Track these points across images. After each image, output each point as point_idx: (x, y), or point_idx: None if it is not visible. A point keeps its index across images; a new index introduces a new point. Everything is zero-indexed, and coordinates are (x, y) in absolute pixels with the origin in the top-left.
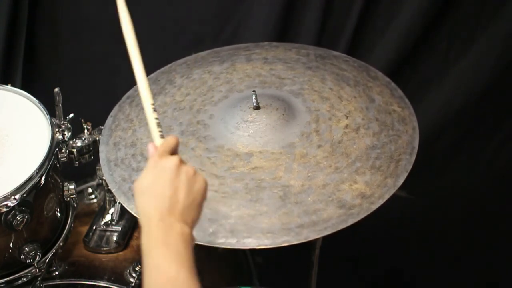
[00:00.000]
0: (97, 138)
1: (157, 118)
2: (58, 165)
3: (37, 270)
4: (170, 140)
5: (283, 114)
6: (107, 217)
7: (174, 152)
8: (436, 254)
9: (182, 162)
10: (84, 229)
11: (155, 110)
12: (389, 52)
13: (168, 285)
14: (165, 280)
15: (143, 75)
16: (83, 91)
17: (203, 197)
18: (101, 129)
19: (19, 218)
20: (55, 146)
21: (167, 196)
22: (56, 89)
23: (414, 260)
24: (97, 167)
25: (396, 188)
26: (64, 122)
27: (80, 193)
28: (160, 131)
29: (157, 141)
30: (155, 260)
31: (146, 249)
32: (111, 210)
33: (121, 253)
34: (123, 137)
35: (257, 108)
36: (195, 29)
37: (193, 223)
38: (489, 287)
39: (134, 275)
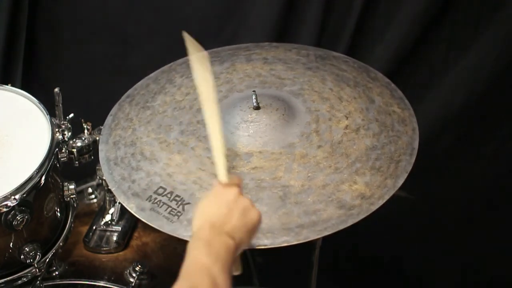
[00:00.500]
0: (97, 138)
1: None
2: (58, 165)
3: (37, 270)
4: (236, 178)
5: (283, 115)
6: (107, 217)
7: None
8: (437, 254)
9: (241, 193)
10: (84, 229)
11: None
12: (389, 53)
13: (201, 272)
14: (200, 267)
15: (218, 120)
16: (83, 91)
17: (255, 227)
18: (101, 129)
19: (19, 218)
20: (55, 146)
21: (222, 214)
22: (56, 89)
23: (414, 260)
24: (97, 167)
25: (396, 188)
26: (64, 122)
27: (80, 193)
28: (226, 169)
29: (223, 178)
30: (195, 253)
31: (190, 247)
32: (111, 210)
33: (121, 253)
34: (123, 136)
35: (257, 108)
36: (195, 29)
37: (240, 243)
38: (489, 287)
39: (134, 275)
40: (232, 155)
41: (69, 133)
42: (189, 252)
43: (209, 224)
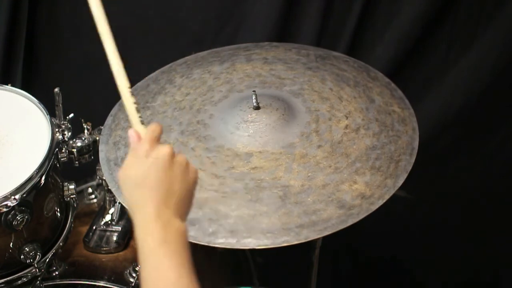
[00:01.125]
0: (97, 138)
1: (135, 103)
2: (58, 165)
3: (37, 270)
4: (156, 128)
5: (283, 114)
6: (107, 217)
7: (159, 140)
8: (437, 254)
9: (174, 152)
10: (84, 229)
11: (132, 94)
12: (389, 52)
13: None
14: (166, 284)
15: (117, 59)
16: (83, 91)
17: (195, 186)
18: (101, 129)
19: (19, 218)
20: (55, 146)
21: (164, 188)
22: (56, 89)
23: (414, 260)
24: (97, 167)
25: (396, 188)
26: (64, 122)
27: (80, 193)
28: (140, 117)
29: (138, 128)
30: (155, 261)
31: (145, 247)
32: (111, 210)
33: (121, 253)
34: (123, 136)
35: (257, 108)
36: (195, 29)
37: (186, 216)
38: (489, 286)
39: (134, 275)
40: (232, 155)
41: (69, 133)
42: (147, 251)
43: (155, 210)
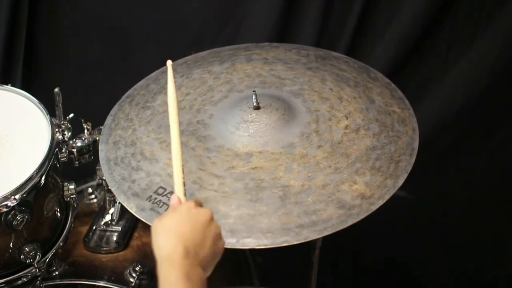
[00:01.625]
0: (97, 138)
1: (183, 178)
2: (58, 165)
3: (37, 270)
4: (199, 200)
5: (283, 114)
6: (107, 217)
7: (201, 206)
8: (437, 254)
9: (213, 218)
10: (84, 229)
11: (183, 171)
12: (389, 52)
13: None
14: None
15: (178, 141)
16: (83, 91)
17: (219, 257)
18: (101, 129)
19: (19, 218)
20: (55, 146)
21: (197, 239)
22: (56, 89)
23: (414, 260)
24: (97, 167)
25: (396, 189)
26: (64, 122)
27: (80, 193)
28: (185, 189)
29: (181, 195)
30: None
31: (169, 277)
32: (111, 210)
33: (121, 253)
34: (123, 136)
35: (257, 108)
36: (195, 29)
37: (207, 274)
38: (489, 286)
39: (134, 275)
40: (232, 155)
41: (69, 133)
42: (169, 282)
43: (183, 249)
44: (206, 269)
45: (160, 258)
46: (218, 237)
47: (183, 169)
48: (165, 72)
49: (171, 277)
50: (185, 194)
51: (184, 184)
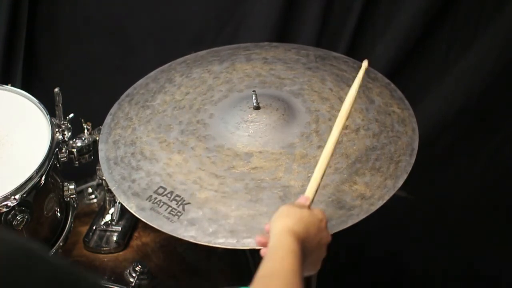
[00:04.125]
0: (97, 138)
1: (319, 185)
2: (58, 165)
3: None
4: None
5: (283, 115)
6: (107, 217)
7: None
8: (437, 254)
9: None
10: (84, 229)
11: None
12: (389, 52)
13: (281, 275)
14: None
15: (332, 149)
16: (83, 91)
17: (320, 260)
18: (101, 129)
19: (19, 218)
20: (55, 146)
21: (311, 234)
22: (56, 89)
23: (414, 260)
24: (97, 167)
25: (396, 189)
26: (64, 122)
27: (80, 193)
28: (314, 196)
29: (309, 195)
30: (280, 252)
31: (282, 237)
32: (111, 210)
33: (121, 253)
34: (123, 136)
35: (257, 108)
36: (195, 29)
37: (306, 266)
38: (489, 286)
39: (134, 275)
40: (232, 155)
41: (69, 133)
42: (281, 240)
43: (296, 236)
44: (310, 261)
45: (279, 229)
46: (325, 244)
47: (323, 176)
48: (165, 71)
49: (287, 240)
50: (312, 201)
51: (316, 191)
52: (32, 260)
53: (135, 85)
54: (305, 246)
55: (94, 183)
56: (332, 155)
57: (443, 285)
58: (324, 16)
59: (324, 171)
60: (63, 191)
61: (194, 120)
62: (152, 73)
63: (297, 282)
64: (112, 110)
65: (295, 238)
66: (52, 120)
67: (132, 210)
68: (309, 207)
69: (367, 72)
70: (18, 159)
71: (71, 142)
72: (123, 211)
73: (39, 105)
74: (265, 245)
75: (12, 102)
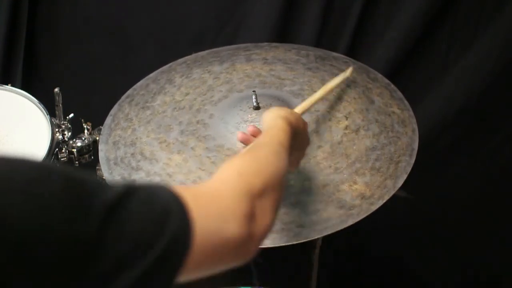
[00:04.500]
0: (97, 138)
1: (312, 105)
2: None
3: None
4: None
5: None
6: None
7: None
8: (436, 254)
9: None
10: None
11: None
12: (389, 52)
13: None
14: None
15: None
16: (83, 91)
17: (301, 160)
18: (101, 129)
19: None
20: (55, 146)
21: (301, 128)
22: (56, 89)
23: (414, 260)
24: (97, 167)
25: (396, 189)
26: (64, 122)
27: None
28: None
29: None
30: (271, 131)
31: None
32: None
33: None
34: (123, 136)
35: (257, 108)
36: (195, 29)
37: (294, 153)
38: (489, 286)
39: None
40: (232, 155)
41: (69, 133)
42: (273, 121)
43: (291, 122)
44: (295, 146)
45: (272, 115)
46: (306, 132)
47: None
48: (165, 71)
49: (279, 122)
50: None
51: (308, 109)
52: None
53: (135, 86)
54: (294, 136)
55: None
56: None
57: (443, 285)
58: (324, 16)
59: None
60: None
61: (194, 120)
62: (152, 74)
63: (283, 153)
64: (112, 111)
65: (287, 122)
66: (52, 120)
67: None
68: None
69: (367, 72)
70: None
71: (71, 142)
72: None
73: (39, 105)
74: (246, 141)
75: (12, 102)
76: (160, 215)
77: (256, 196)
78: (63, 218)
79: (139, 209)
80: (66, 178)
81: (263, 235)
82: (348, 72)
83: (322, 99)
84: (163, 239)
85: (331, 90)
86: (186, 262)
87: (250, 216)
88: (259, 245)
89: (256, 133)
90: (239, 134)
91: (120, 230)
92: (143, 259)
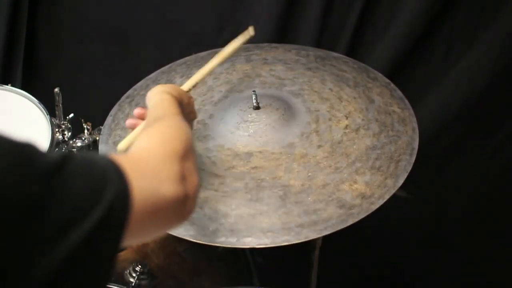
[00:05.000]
0: (97, 138)
1: (196, 84)
2: None
3: None
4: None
5: (283, 114)
6: None
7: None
8: (436, 254)
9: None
10: None
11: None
12: (389, 53)
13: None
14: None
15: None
16: (83, 91)
17: (192, 114)
18: (101, 129)
19: None
20: (55, 146)
21: (185, 102)
22: (56, 89)
23: (414, 260)
24: None
25: (396, 188)
26: (64, 122)
27: None
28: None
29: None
30: (161, 104)
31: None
32: None
33: (121, 253)
34: (123, 136)
35: (257, 108)
36: (195, 29)
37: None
38: (489, 286)
39: (134, 275)
40: (232, 155)
41: (69, 133)
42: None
43: (175, 97)
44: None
45: (155, 91)
46: (193, 118)
47: (200, 81)
48: (165, 72)
49: (165, 96)
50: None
51: (194, 86)
52: None
53: (135, 86)
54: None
55: None
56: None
57: (443, 285)
58: (324, 16)
59: (202, 78)
60: None
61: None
62: (152, 75)
63: (183, 121)
64: (112, 112)
65: (172, 96)
66: (52, 120)
67: None
68: None
69: (367, 72)
70: None
71: (71, 142)
72: None
73: (39, 105)
74: (142, 117)
75: (12, 102)
76: (99, 179)
77: (182, 159)
78: (7, 180)
79: (80, 172)
80: (11, 144)
81: (195, 194)
82: (249, 33)
83: (214, 68)
84: (104, 201)
85: (228, 58)
86: (128, 221)
87: (182, 177)
88: (195, 204)
89: (143, 115)
90: (127, 121)
91: (62, 193)
92: (85, 221)
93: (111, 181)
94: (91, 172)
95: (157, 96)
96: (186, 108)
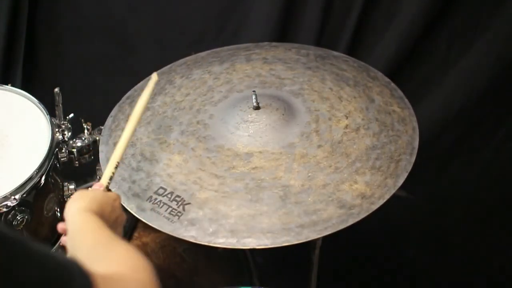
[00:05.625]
0: (97, 138)
1: (113, 173)
2: (58, 165)
3: None
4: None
5: (283, 114)
6: None
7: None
8: (436, 254)
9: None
10: None
11: (116, 167)
12: (389, 52)
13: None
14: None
15: (129, 138)
16: (83, 91)
17: (117, 223)
18: (101, 129)
19: (19, 218)
20: (55, 146)
21: (107, 211)
22: (56, 89)
23: (414, 260)
24: (97, 167)
25: (396, 188)
26: (64, 122)
27: None
28: (109, 183)
29: (104, 182)
30: (85, 228)
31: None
32: None
33: None
34: None
35: (257, 108)
36: (195, 29)
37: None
38: (489, 286)
39: None
40: (232, 155)
41: (69, 133)
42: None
43: (95, 212)
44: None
45: (73, 211)
46: (121, 222)
47: (118, 165)
48: (165, 72)
49: (84, 216)
50: (107, 187)
51: (111, 178)
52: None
53: (135, 87)
54: (106, 223)
55: (94, 183)
56: (125, 148)
57: (443, 285)
58: (324, 16)
59: (118, 162)
60: (63, 191)
61: (194, 121)
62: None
63: (116, 240)
64: (112, 112)
65: (91, 213)
66: (52, 120)
67: (133, 211)
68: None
69: (367, 71)
70: (18, 159)
71: (71, 142)
72: (123, 211)
73: (39, 105)
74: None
75: (12, 102)
76: None
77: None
78: None
79: None
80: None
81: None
82: (152, 81)
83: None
84: None
85: (142, 114)
86: None
87: None
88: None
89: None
90: (58, 226)
91: None
92: None
93: None
94: None
95: (74, 219)
96: (111, 216)
